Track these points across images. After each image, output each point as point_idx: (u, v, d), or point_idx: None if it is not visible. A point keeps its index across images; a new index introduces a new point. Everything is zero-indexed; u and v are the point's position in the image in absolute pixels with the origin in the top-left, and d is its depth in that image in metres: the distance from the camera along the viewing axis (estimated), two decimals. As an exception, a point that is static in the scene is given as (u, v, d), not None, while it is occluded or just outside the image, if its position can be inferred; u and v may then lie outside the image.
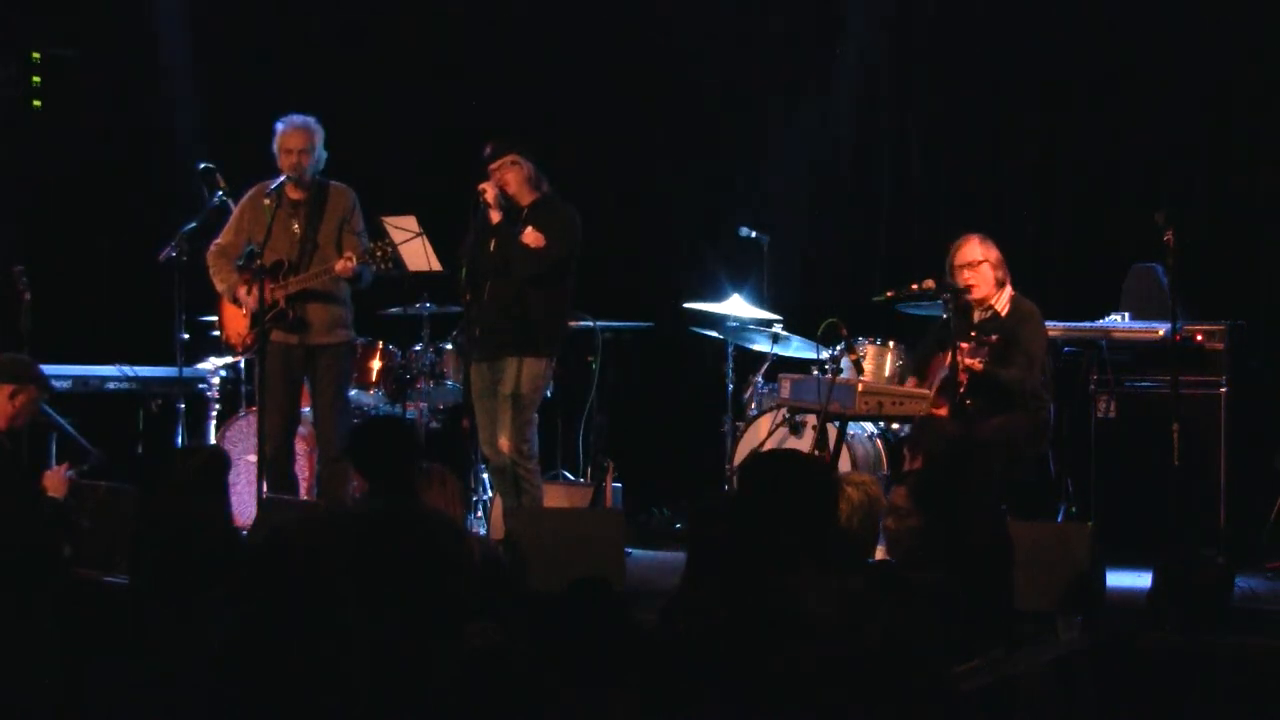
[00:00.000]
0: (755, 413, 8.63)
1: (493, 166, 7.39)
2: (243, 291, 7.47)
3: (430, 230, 7.75)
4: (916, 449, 7.32)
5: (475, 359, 7.46)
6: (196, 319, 8.28)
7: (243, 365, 8.53)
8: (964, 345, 7.07)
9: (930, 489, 5.30)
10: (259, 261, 7.41)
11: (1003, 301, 7.39)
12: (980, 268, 7.36)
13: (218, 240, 7.64)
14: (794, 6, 9.98)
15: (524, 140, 7.50)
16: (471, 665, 3.68)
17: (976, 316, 7.43)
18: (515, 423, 7.33)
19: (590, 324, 8.37)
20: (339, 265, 7.29)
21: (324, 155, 7.52)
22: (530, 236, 7.28)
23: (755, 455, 5.96)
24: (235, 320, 7.62)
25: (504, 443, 7.34)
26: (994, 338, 7.10)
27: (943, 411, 7.22)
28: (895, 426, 8.07)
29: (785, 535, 3.87)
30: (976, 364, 7.05)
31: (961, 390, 7.15)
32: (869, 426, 8.17)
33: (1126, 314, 8.16)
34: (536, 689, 3.48)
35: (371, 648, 3.72)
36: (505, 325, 7.34)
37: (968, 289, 7.36)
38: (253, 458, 7.80)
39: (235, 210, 7.66)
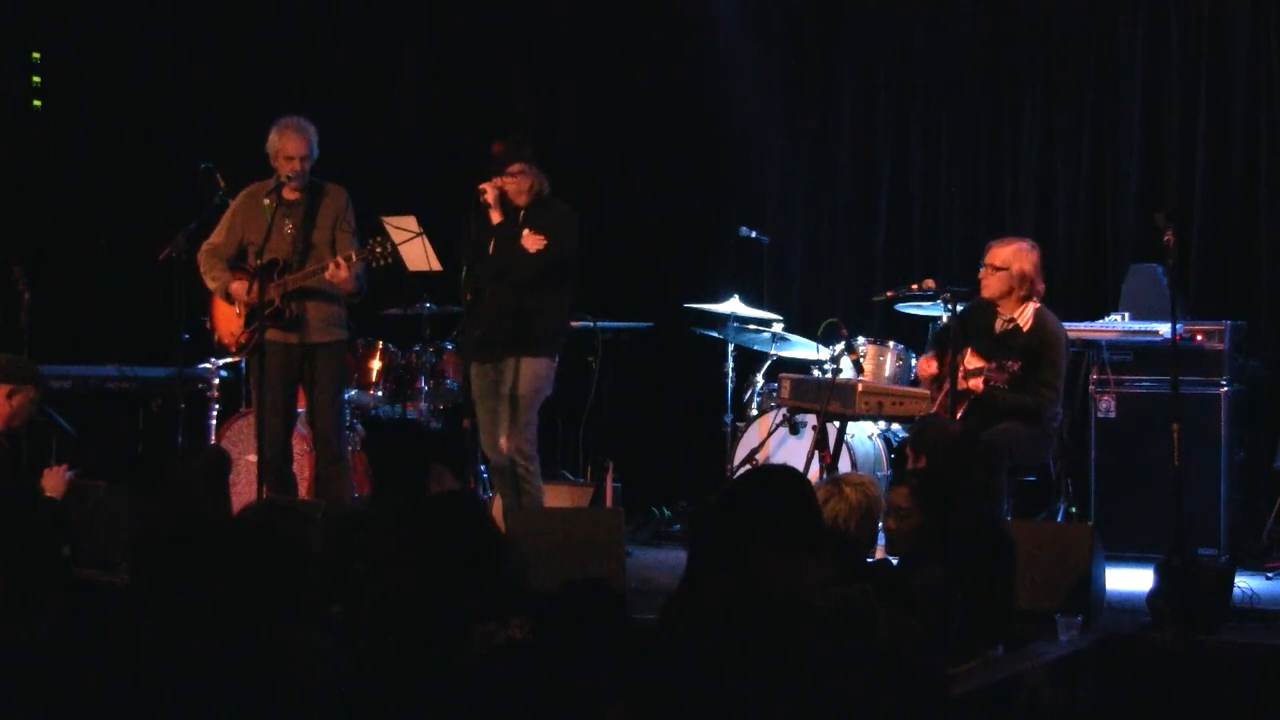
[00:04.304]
0: (755, 413, 8.64)
1: (499, 172, 7.34)
2: (236, 287, 7.44)
3: (430, 230, 7.75)
4: (919, 448, 7.30)
5: (476, 359, 7.45)
6: (197, 319, 8.27)
7: (243, 365, 8.53)
8: (970, 364, 7.04)
9: (931, 488, 5.31)
10: (257, 261, 7.40)
11: (1026, 315, 7.28)
12: (998, 274, 7.27)
13: (209, 240, 7.61)
14: (794, 6, 9.99)
15: (530, 144, 7.46)
16: (499, 659, 3.69)
17: (998, 326, 7.34)
18: (515, 423, 7.32)
19: (590, 324, 8.38)
20: (329, 270, 7.24)
21: (317, 153, 7.50)
22: (530, 240, 7.26)
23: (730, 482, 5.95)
24: (228, 321, 7.59)
25: (504, 442, 7.33)
26: (1015, 365, 7.02)
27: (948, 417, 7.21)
28: (895, 426, 8.07)
29: (776, 543, 3.88)
30: (978, 385, 7.02)
31: (967, 401, 7.12)
32: (869, 426, 8.17)
33: (1126, 314, 8.16)
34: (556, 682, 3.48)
35: (414, 635, 3.73)
36: (505, 326, 7.32)
37: (977, 288, 7.34)
38: (253, 458, 7.80)
39: (227, 211, 7.64)
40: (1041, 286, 7.30)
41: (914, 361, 7.91)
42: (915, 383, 7.76)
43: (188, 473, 6.03)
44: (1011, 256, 7.27)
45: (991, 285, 7.29)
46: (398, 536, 4.15)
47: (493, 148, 7.40)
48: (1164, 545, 6.84)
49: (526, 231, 7.28)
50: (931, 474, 5.69)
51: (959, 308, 7.32)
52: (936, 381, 7.46)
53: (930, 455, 7.03)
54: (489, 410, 7.42)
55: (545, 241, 7.24)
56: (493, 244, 7.33)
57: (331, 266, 7.23)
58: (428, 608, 3.83)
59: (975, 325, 7.27)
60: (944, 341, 7.53)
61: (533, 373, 7.32)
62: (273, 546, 3.66)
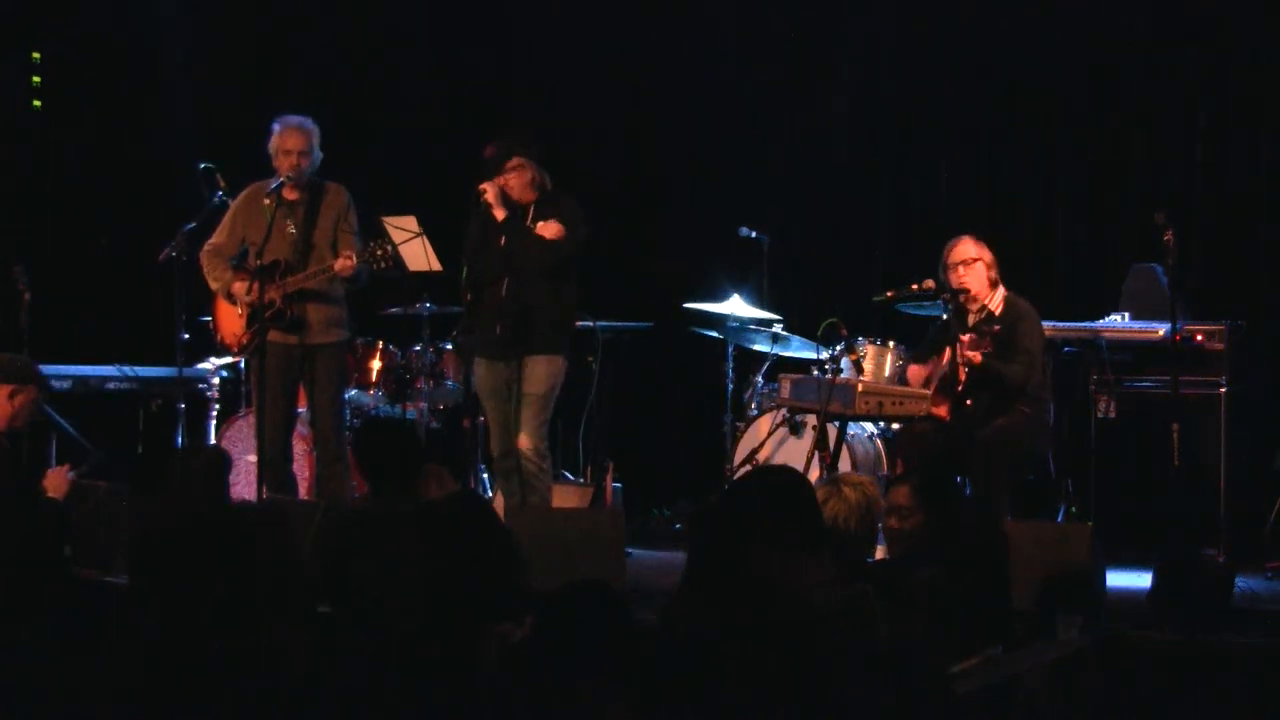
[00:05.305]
0: (755, 413, 8.63)
1: (498, 171, 7.34)
2: (238, 287, 7.45)
3: (430, 230, 7.74)
4: (897, 453, 7.38)
5: (488, 357, 7.39)
6: (196, 319, 8.28)
7: (243, 365, 8.54)
8: (964, 338, 7.09)
9: (933, 486, 5.31)
10: (258, 261, 7.40)
11: (996, 301, 7.42)
12: (974, 265, 7.39)
13: (211, 241, 7.63)
14: (795, 6, 9.99)
15: (526, 140, 7.47)
16: (515, 658, 3.69)
17: (971, 319, 7.45)
18: (534, 420, 7.30)
19: (590, 324, 8.37)
20: (339, 264, 7.27)
21: (320, 155, 7.50)
22: (549, 228, 7.24)
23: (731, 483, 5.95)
24: (230, 321, 7.60)
25: (524, 441, 7.29)
26: (995, 328, 7.14)
27: (942, 411, 7.23)
28: (895, 426, 8.07)
29: (776, 543, 3.89)
30: (976, 356, 7.06)
31: (960, 389, 7.16)
32: (869, 426, 8.17)
33: (1126, 314, 8.16)
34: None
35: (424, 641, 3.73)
36: (520, 323, 7.28)
37: (963, 288, 7.38)
38: (253, 458, 7.81)
39: (229, 211, 7.65)
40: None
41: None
42: (914, 383, 7.78)
43: (188, 473, 6.02)
44: (978, 248, 7.42)
45: (974, 279, 7.41)
46: (406, 538, 4.15)
47: (485, 152, 7.40)
48: (1164, 545, 6.85)
49: (543, 223, 7.26)
50: (930, 472, 5.70)
51: (950, 307, 7.40)
52: (926, 381, 7.52)
53: (907, 458, 7.09)
54: (499, 409, 7.39)
55: (565, 231, 7.23)
56: (503, 240, 7.31)
57: (340, 261, 7.24)
58: (437, 608, 3.84)
59: (954, 328, 7.37)
60: (926, 350, 7.61)
61: (550, 371, 7.31)
62: (271, 546, 3.66)
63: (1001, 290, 7.44)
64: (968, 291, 7.39)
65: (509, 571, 4.04)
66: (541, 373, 7.29)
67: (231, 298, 7.51)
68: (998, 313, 7.39)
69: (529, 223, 7.30)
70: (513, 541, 4.51)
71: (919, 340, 7.94)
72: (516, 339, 7.30)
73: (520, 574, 4.56)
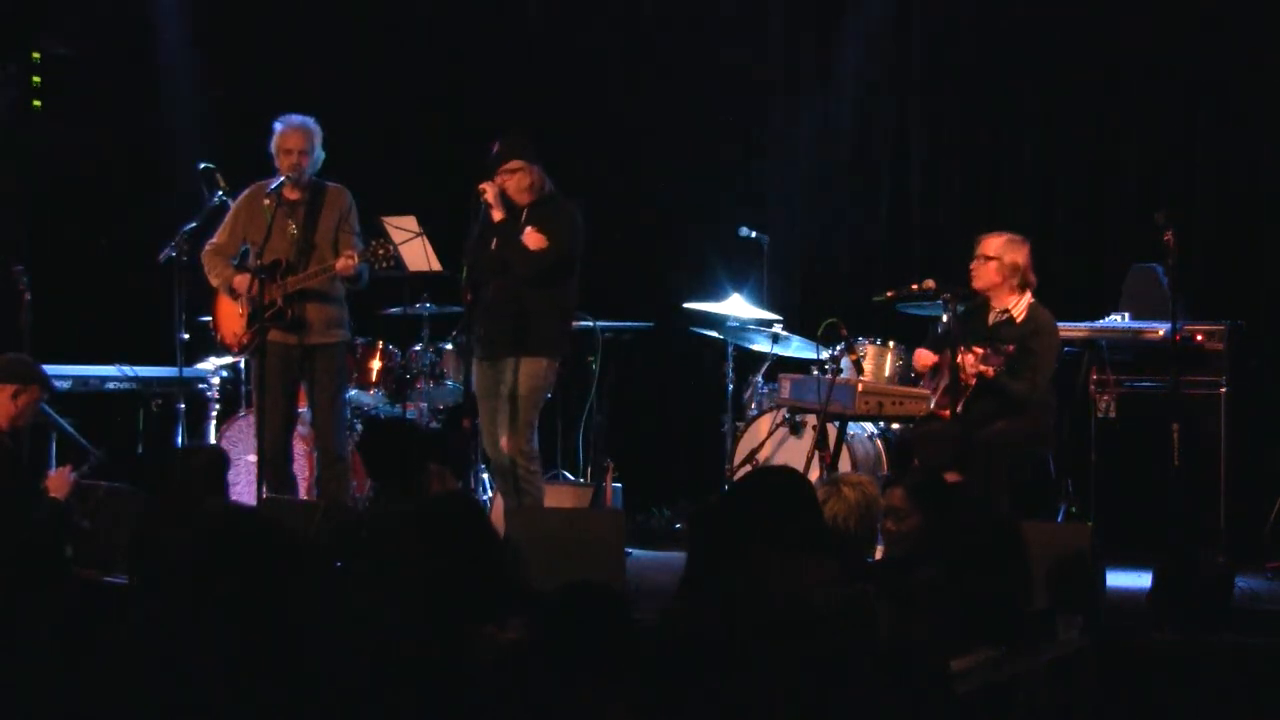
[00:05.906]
0: (755, 413, 8.63)
1: (498, 170, 7.35)
2: (239, 281, 7.45)
3: (430, 230, 7.74)
4: (912, 454, 7.37)
5: (478, 358, 7.43)
6: (196, 319, 8.28)
7: (242, 365, 8.53)
8: (978, 350, 7.07)
9: (928, 487, 5.31)
10: (258, 261, 7.41)
11: (1020, 308, 7.36)
12: (988, 264, 7.36)
13: (212, 240, 7.64)
14: (795, 5, 9.99)
15: (530, 143, 7.47)
16: (501, 660, 3.69)
17: (991, 319, 7.41)
18: (516, 422, 7.31)
19: (590, 324, 8.37)
20: (340, 263, 7.28)
21: (322, 155, 7.51)
22: (531, 238, 7.25)
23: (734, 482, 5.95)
24: (230, 320, 7.60)
25: (505, 443, 7.32)
26: (1010, 348, 7.07)
27: (946, 415, 7.22)
28: (895, 426, 8.08)
29: (776, 543, 3.89)
30: (989, 372, 7.04)
31: (967, 394, 7.14)
32: (869, 426, 8.17)
33: (1126, 314, 8.16)
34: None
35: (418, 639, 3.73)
36: (506, 325, 7.31)
37: (969, 280, 7.39)
38: (253, 458, 7.81)
39: (230, 210, 7.66)
40: (1034, 279, 7.38)
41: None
42: (915, 382, 7.77)
43: (188, 473, 6.03)
44: (1002, 247, 7.37)
45: (983, 276, 7.38)
46: (398, 537, 4.15)
47: (492, 148, 7.40)
48: (1164, 545, 6.84)
49: (529, 229, 7.27)
50: (926, 473, 5.70)
51: (960, 308, 7.36)
52: (934, 375, 7.50)
53: (922, 458, 7.08)
54: (489, 409, 7.41)
55: (547, 242, 7.24)
56: (495, 241, 7.33)
57: (343, 260, 7.26)
58: (429, 609, 3.83)
59: (970, 326, 7.34)
60: (941, 342, 7.58)
61: (532, 373, 7.32)
62: (272, 546, 3.66)
63: (1029, 297, 7.37)
64: (975, 293, 7.39)
65: (495, 573, 4.04)
66: (524, 374, 7.30)
67: (233, 292, 7.52)
68: (1019, 319, 7.33)
69: (523, 224, 7.30)
70: (500, 544, 4.52)
71: (919, 340, 7.92)
72: (508, 340, 7.31)
73: (509, 575, 4.57)
